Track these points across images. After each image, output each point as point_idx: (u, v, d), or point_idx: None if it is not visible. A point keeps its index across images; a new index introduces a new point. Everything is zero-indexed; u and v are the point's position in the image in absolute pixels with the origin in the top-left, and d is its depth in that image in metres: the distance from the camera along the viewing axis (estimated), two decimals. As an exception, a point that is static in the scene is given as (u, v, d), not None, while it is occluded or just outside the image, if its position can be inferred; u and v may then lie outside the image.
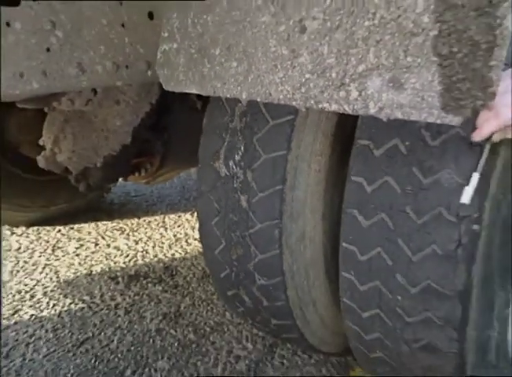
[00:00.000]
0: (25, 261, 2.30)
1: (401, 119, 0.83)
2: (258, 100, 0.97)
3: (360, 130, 1.14)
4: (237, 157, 1.27)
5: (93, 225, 2.69)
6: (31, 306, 1.96)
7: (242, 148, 1.26)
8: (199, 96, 1.90)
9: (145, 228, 2.68)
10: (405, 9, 0.81)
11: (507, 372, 1.46)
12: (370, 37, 0.84)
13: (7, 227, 2.60)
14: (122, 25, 1.27)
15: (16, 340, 1.76)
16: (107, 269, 2.25)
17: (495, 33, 0.78)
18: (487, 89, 0.80)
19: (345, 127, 1.24)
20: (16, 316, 1.89)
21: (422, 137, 1.03)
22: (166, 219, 2.80)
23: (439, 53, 0.80)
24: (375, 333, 1.23)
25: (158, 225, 2.73)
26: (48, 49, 1.14)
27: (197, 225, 1.48)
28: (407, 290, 1.10)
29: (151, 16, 1.32)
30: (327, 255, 1.38)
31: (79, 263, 2.30)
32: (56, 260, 2.32)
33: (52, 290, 2.06)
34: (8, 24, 1.07)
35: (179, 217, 2.83)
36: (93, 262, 2.31)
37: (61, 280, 2.15)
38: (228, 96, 1.01)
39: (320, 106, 0.90)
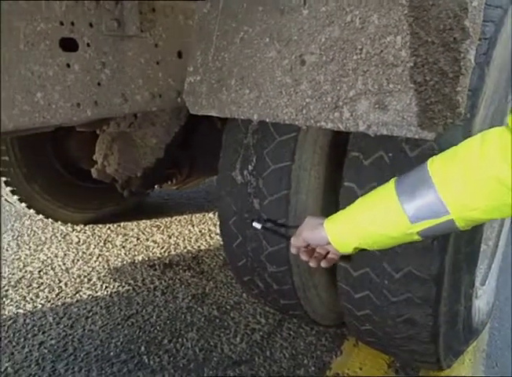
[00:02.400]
0: (83, 252, 2.30)
1: (386, 135, 0.82)
2: (267, 120, 0.96)
3: (351, 144, 1.12)
4: (250, 167, 1.26)
5: (135, 223, 2.69)
6: (88, 288, 1.95)
7: (254, 160, 1.25)
8: (219, 117, 1.90)
9: (176, 225, 2.67)
10: (386, 45, 0.80)
11: (470, 339, 1.44)
12: (358, 68, 0.83)
13: (69, 225, 2.61)
14: (157, 63, 1.27)
15: (78, 314, 1.76)
16: (146, 259, 2.24)
17: (460, 64, 0.77)
18: (455, 110, 0.79)
19: (339, 141, 1.22)
20: (77, 295, 1.89)
21: (402, 149, 1.01)
22: (193, 218, 2.79)
23: (415, 81, 0.78)
24: (365, 310, 1.21)
25: (186, 222, 2.72)
26: (99, 84, 1.14)
27: (218, 223, 1.47)
28: (392, 275, 1.08)
29: (180, 55, 1.32)
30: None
31: (125, 254, 2.30)
32: (106, 251, 2.32)
33: (104, 276, 2.06)
34: (68, 66, 1.07)
35: (204, 216, 2.82)
36: (136, 253, 2.30)
37: (111, 267, 2.14)
38: (242, 117, 1.01)
39: (318, 125, 0.88)
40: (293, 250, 0.95)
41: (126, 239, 2.46)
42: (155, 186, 2.28)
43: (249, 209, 1.27)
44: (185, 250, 2.33)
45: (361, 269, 1.15)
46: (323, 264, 0.92)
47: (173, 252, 2.31)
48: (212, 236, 2.50)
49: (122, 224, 2.66)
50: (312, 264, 0.92)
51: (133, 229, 2.59)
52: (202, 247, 2.36)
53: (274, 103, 0.93)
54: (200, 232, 2.56)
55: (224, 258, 2.22)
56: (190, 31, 1.29)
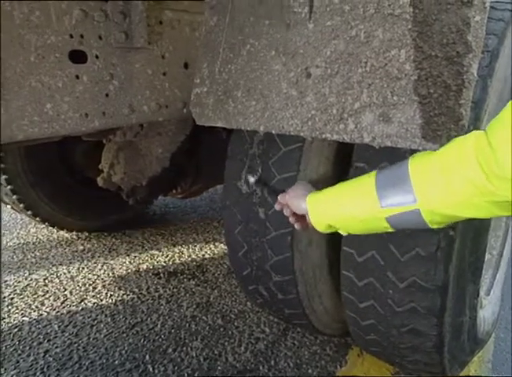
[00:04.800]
0: (88, 260, 2.31)
1: (390, 146, 0.83)
2: (273, 132, 0.97)
3: (356, 155, 1.14)
4: (256, 177, 1.27)
5: (140, 231, 2.69)
6: (93, 296, 1.96)
7: (259, 170, 1.26)
8: (223, 127, 1.92)
9: (181, 234, 2.68)
10: (391, 58, 0.82)
11: (476, 350, 1.43)
12: (363, 81, 0.84)
13: (74, 233, 2.62)
14: (164, 74, 1.29)
15: (83, 322, 1.77)
16: (151, 267, 2.25)
17: (463, 77, 0.78)
18: (458, 122, 0.80)
19: (344, 152, 1.23)
20: (82, 303, 1.90)
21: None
22: (198, 226, 2.79)
23: (419, 94, 0.80)
24: (370, 320, 1.21)
25: (191, 230, 2.73)
26: (107, 95, 1.16)
27: (223, 231, 1.47)
28: (397, 285, 1.09)
29: (186, 66, 1.34)
30: (330, 257, 1.36)
31: (130, 262, 2.30)
32: (111, 259, 2.33)
33: (109, 284, 2.07)
34: (77, 77, 1.09)
35: (208, 224, 2.82)
36: (141, 261, 2.31)
37: (116, 276, 2.15)
38: (249, 129, 1.02)
39: (323, 136, 0.90)
40: (277, 207, 1.04)
41: (131, 248, 2.47)
42: (160, 195, 2.30)
43: (254, 218, 1.28)
44: (190, 259, 2.34)
45: (366, 279, 1.15)
46: (296, 226, 1.00)
47: (177, 260, 2.32)
48: (216, 244, 2.51)
49: (126, 232, 2.67)
50: (291, 220, 1.01)
51: (137, 238, 2.60)
52: (207, 256, 2.37)
53: (280, 115, 0.94)
54: (205, 240, 2.57)
55: (228, 266, 2.22)
56: (196, 42, 1.31)
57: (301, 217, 0.97)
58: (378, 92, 0.82)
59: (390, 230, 0.79)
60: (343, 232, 0.90)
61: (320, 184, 1.25)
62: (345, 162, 1.21)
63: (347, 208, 0.82)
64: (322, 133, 0.90)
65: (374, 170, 1.07)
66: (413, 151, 1.01)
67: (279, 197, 1.02)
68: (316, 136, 0.91)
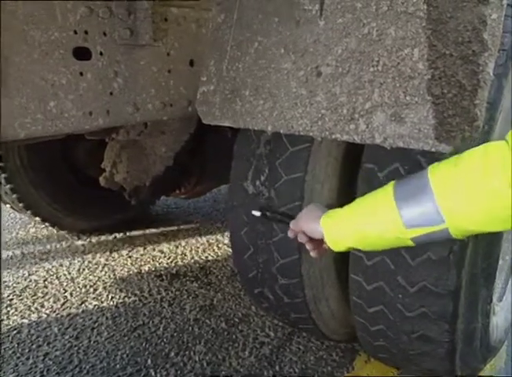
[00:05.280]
0: (89, 261, 2.32)
1: (402, 147, 0.83)
2: (282, 132, 0.97)
3: (366, 156, 1.14)
4: (262, 178, 1.27)
5: (142, 232, 2.70)
6: (94, 298, 1.97)
7: (266, 171, 1.26)
8: (229, 127, 1.92)
9: (184, 235, 2.68)
10: (403, 57, 0.82)
11: (488, 357, 1.43)
12: (375, 80, 0.84)
13: (75, 233, 2.63)
14: (169, 71, 1.29)
15: (84, 325, 1.77)
16: (153, 269, 2.26)
17: (479, 77, 0.78)
18: (473, 123, 0.80)
19: (353, 153, 1.23)
20: (82, 305, 1.91)
21: (418, 162, 1.02)
22: (201, 227, 2.80)
23: (432, 94, 0.80)
24: (379, 325, 1.21)
25: (194, 232, 2.74)
26: (111, 93, 1.17)
27: (226, 233, 1.47)
28: (407, 289, 1.09)
29: (192, 63, 1.34)
30: (338, 260, 1.36)
31: (131, 263, 2.31)
32: (113, 261, 2.34)
33: (110, 286, 2.08)
34: (81, 74, 1.10)
35: (211, 225, 2.83)
36: (142, 263, 2.32)
37: (117, 277, 2.16)
38: (256, 128, 1.02)
39: (333, 136, 0.90)
40: (290, 234, 0.98)
41: (133, 249, 2.48)
42: (163, 195, 2.31)
43: (261, 220, 1.28)
44: (193, 261, 2.34)
45: (375, 283, 1.15)
46: (313, 254, 0.95)
47: (180, 262, 2.33)
48: (220, 246, 2.51)
49: (128, 233, 2.68)
50: (308, 247, 0.95)
51: (139, 239, 2.61)
52: (210, 258, 2.37)
53: (289, 114, 0.94)
54: (208, 241, 2.57)
55: (232, 269, 2.23)
56: (202, 39, 1.31)
57: (318, 242, 0.92)
58: (390, 91, 0.82)
59: (412, 246, 0.78)
60: (362, 249, 0.87)
61: (328, 185, 1.26)
62: (354, 163, 1.21)
63: (367, 229, 0.79)
64: (332, 134, 0.90)
65: (385, 171, 1.08)
66: (425, 152, 1.01)
67: (291, 224, 0.97)
68: (325, 136, 0.91)
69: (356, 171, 1.16)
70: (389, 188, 0.77)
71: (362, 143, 0.87)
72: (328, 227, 0.86)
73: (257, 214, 1.11)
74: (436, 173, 0.71)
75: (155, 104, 1.29)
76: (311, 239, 0.92)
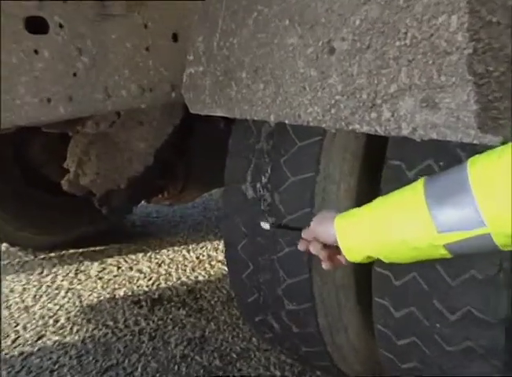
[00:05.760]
0: (48, 286, 2.33)
1: (435, 140, 0.83)
2: (287, 122, 0.97)
3: (391, 150, 1.13)
4: (264, 179, 1.27)
5: (115, 247, 2.71)
6: (54, 332, 1.97)
7: (269, 170, 1.26)
8: (223, 117, 1.92)
9: (168, 250, 2.69)
10: (438, 27, 0.81)
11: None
12: (401, 57, 0.84)
13: (30, 251, 2.63)
14: (147, 49, 1.30)
15: (41, 367, 1.77)
16: (130, 293, 2.26)
17: (533, 51, 0.78)
18: (526, 108, 0.80)
19: (375, 147, 1.23)
20: (39, 342, 1.91)
21: (458, 158, 1.01)
22: (189, 240, 2.81)
23: (474, 72, 0.79)
24: (411, 362, 1.20)
25: (180, 246, 2.74)
26: (74, 74, 1.17)
27: (221, 247, 1.48)
28: (446, 317, 1.08)
29: (175, 38, 1.34)
30: (358, 279, 1.36)
31: (102, 287, 2.32)
32: (78, 284, 2.34)
33: (75, 316, 2.08)
34: (36, 52, 1.10)
35: (202, 238, 2.83)
36: (116, 286, 2.32)
37: (84, 305, 2.16)
38: (256, 118, 1.02)
39: (350, 127, 0.90)
40: (301, 247, 0.97)
41: (104, 269, 2.48)
42: (142, 201, 2.31)
43: (262, 230, 1.28)
44: (179, 282, 2.35)
45: (405, 308, 1.15)
46: (325, 266, 0.93)
47: (163, 284, 2.33)
48: (213, 263, 2.52)
49: (98, 249, 2.68)
50: (320, 256, 0.94)
51: (112, 256, 2.62)
52: (201, 278, 2.38)
53: (296, 101, 0.94)
54: (198, 258, 2.58)
55: (227, 291, 2.23)
56: (189, 9, 1.32)
57: (333, 251, 0.92)
58: (420, 71, 0.82)
59: (448, 257, 0.78)
60: (385, 261, 0.87)
61: (344, 187, 1.26)
62: (376, 160, 1.21)
63: (394, 232, 0.79)
64: (348, 124, 0.90)
65: (415, 170, 1.08)
66: (466, 145, 1.01)
67: (303, 233, 0.97)
68: (341, 127, 0.91)
69: (379, 170, 1.16)
70: (418, 185, 0.77)
71: (386, 135, 0.87)
72: (342, 229, 0.85)
73: (266, 226, 1.09)
74: (477, 167, 0.71)
75: (130, 88, 1.29)
76: (325, 247, 0.92)
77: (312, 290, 1.26)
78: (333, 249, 0.91)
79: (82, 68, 1.19)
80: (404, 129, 0.85)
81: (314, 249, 0.93)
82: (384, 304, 1.19)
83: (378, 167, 1.18)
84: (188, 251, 2.66)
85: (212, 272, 2.43)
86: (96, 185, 1.89)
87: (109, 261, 2.57)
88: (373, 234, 0.82)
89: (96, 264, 2.53)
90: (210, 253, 2.63)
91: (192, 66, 1.10)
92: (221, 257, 2.50)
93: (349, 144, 1.25)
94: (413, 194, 0.77)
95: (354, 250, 0.85)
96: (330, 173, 1.23)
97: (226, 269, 1.52)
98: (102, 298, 2.22)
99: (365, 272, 1.29)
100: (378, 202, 0.85)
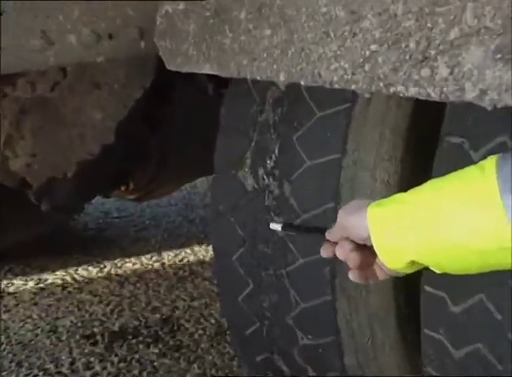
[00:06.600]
0: (-35, 313, 2.34)
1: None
2: (302, 83, 0.98)
3: (448, 124, 1.14)
4: (270, 163, 1.28)
5: (59, 260, 2.71)
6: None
7: (276, 151, 1.27)
8: (211, 76, 1.92)
9: (133, 264, 2.69)
10: None
11: None
12: (464, -12, 0.84)
13: None
14: (104, -23, 1.30)
15: None
16: (79, 324, 2.26)
17: None
18: None
19: (426, 120, 1.24)
20: None
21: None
22: (163, 250, 2.81)
23: None
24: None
25: (151, 258, 2.75)
26: (0, 13, 1.17)
27: (208, 258, 1.48)
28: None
29: (145, -36, 1.35)
30: (400, 303, 1.37)
31: (39, 316, 2.32)
32: (6, 311, 2.34)
33: (1, 357, 2.08)
34: None
35: (181, 245, 2.84)
36: (60, 314, 2.32)
37: (13, 342, 2.16)
38: (258, 78, 1.03)
39: (391, 90, 0.90)
40: (324, 253, 0.97)
41: (42, 290, 2.49)
42: (98, 195, 2.31)
43: (267, 235, 1.29)
44: (149, 309, 2.35)
45: (468, 345, 1.15)
46: (353, 275, 0.93)
47: (127, 312, 2.34)
48: (196, 281, 2.52)
49: (34, 262, 2.68)
50: (350, 262, 0.93)
51: (54, 271, 2.62)
52: (180, 303, 2.38)
53: (314, 53, 0.94)
54: (175, 274, 2.59)
55: (217, 321, 2.24)
56: None
57: (368, 255, 0.91)
58: (494, 8, 0.82)
59: None
60: (436, 270, 0.87)
61: (382, 175, 1.27)
62: (427, 137, 1.22)
63: (445, 230, 0.78)
64: (389, 86, 0.90)
65: (482, 149, 1.08)
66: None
67: (326, 234, 0.97)
68: (378, 90, 0.91)
69: (431, 150, 1.17)
70: (488, 165, 0.77)
71: (442, 101, 0.87)
72: (377, 222, 0.85)
73: (277, 227, 1.09)
74: None
75: (80, 33, 1.29)
76: (358, 248, 0.91)
77: (336, 319, 1.28)
78: (367, 253, 0.90)
79: (12, 4, 1.19)
80: (468, 91, 0.85)
81: (341, 251, 0.93)
82: (438, 338, 1.20)
83: (430, 148, 1.18)
84: (163, 265, 2.67)
85: (195, 295, 2.43)
86: (32, 172, 1.89)
87: (50, 279, 2.57)
88: (420, 230, 0.81)
89: (31, 283, 2.54)
90: (193, 267, 2.64)
91: (170, 2, 1.10)
92: (208, 272, 2.51)
93: (389, 116, 1.25)
94: (480, 176, 0.77)
95: (393, 253, 0.85)
96: (361, 157, 1.24)
97: (216, 289, 1.53)
98: (39, 331, 2.22)
99: (410, 294, 1.30)
100: (429, 186, 0.85)
